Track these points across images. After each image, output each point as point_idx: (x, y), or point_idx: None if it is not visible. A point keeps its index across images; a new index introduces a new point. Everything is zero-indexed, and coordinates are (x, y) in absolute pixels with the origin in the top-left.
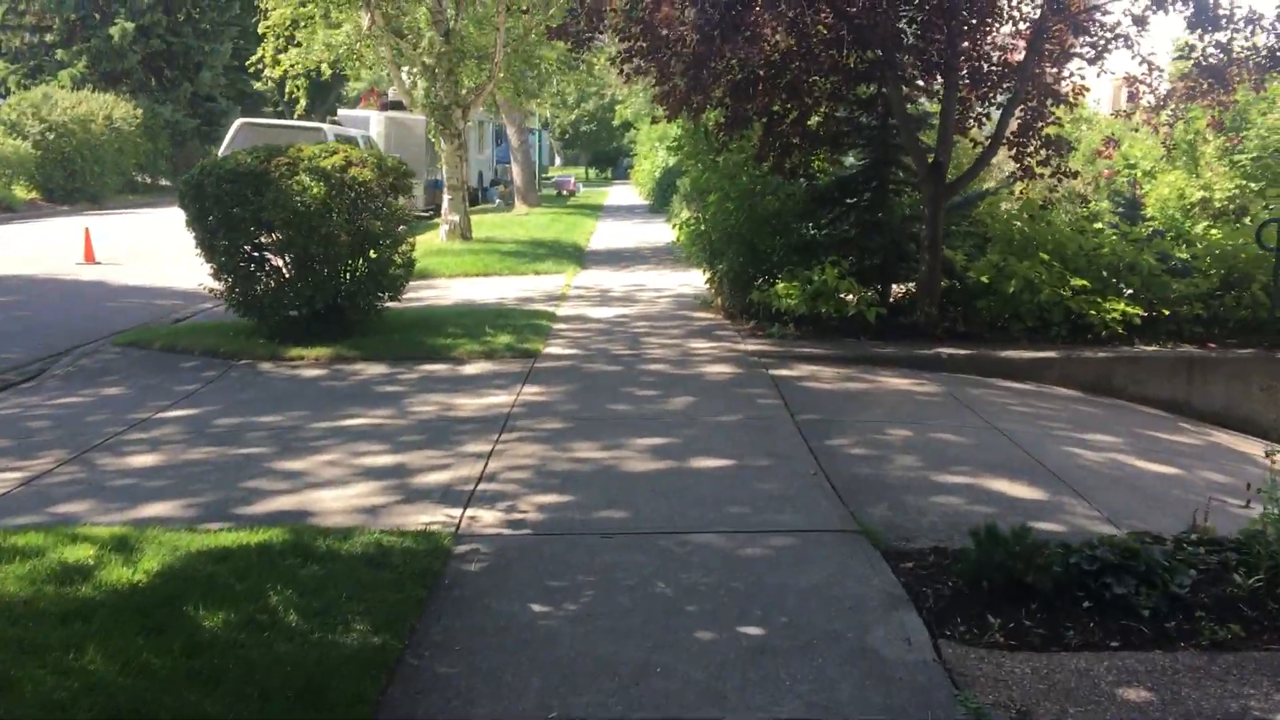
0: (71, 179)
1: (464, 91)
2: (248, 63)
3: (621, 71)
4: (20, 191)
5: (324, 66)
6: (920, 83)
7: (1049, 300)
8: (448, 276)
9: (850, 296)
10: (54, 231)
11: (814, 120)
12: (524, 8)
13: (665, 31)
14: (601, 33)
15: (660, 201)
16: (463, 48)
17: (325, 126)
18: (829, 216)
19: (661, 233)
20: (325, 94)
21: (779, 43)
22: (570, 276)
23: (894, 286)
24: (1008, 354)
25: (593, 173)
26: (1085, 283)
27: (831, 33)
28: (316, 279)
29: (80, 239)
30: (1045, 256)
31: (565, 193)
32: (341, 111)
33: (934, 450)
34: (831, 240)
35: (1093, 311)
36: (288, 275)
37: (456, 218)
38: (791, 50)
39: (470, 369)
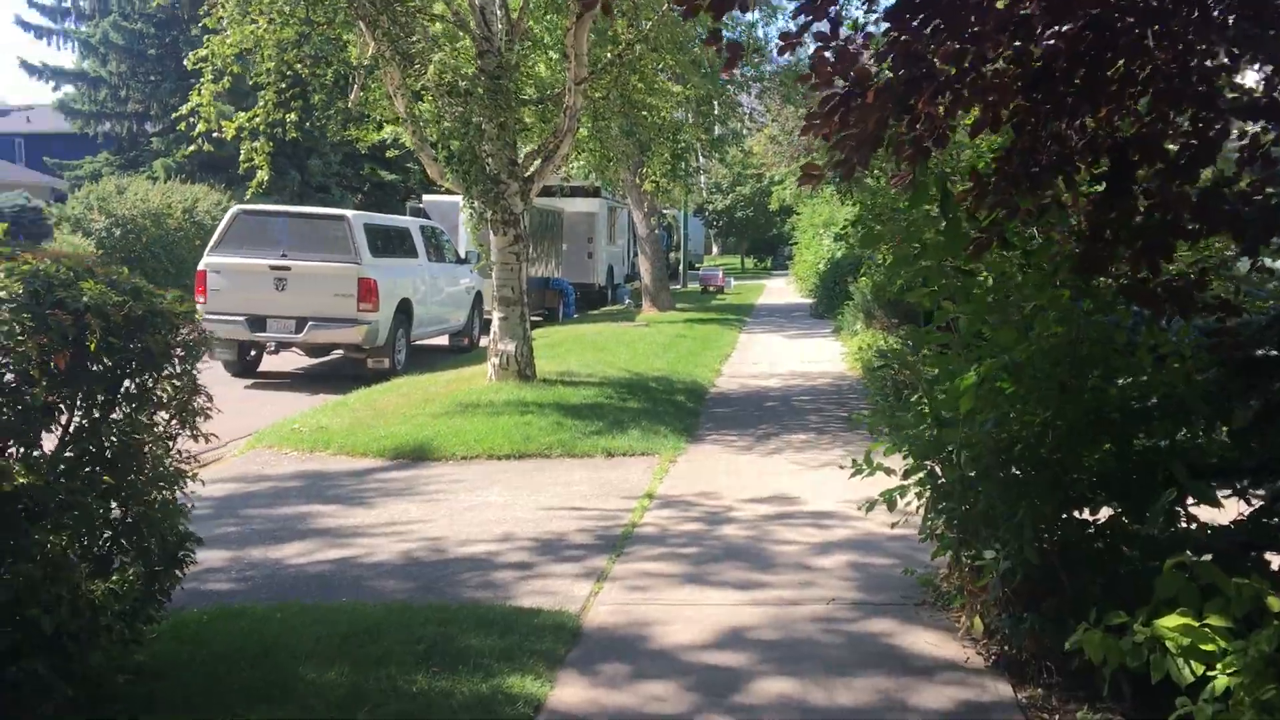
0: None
1: (523, 155)
2: (174, 115)
3: (717, 46)
4: None
5: (288, 121)
6: None
7: None
8: (457, 459)
9: None
10: None
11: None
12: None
13: None
14: None
15: (826, 304)
16: (522, 88)
17: (351, 214)
18: (1259, 404)
19: (826, 353)
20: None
21: None
22: (662, 467)
23: None
24: None
25: (750, 262)
26: None
27: None
28: None
29: None
30: None
31: (712, 289)
32: (427, 198)
33: None
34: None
35: None
36: None
37: (511, 347)
38: None
39: None
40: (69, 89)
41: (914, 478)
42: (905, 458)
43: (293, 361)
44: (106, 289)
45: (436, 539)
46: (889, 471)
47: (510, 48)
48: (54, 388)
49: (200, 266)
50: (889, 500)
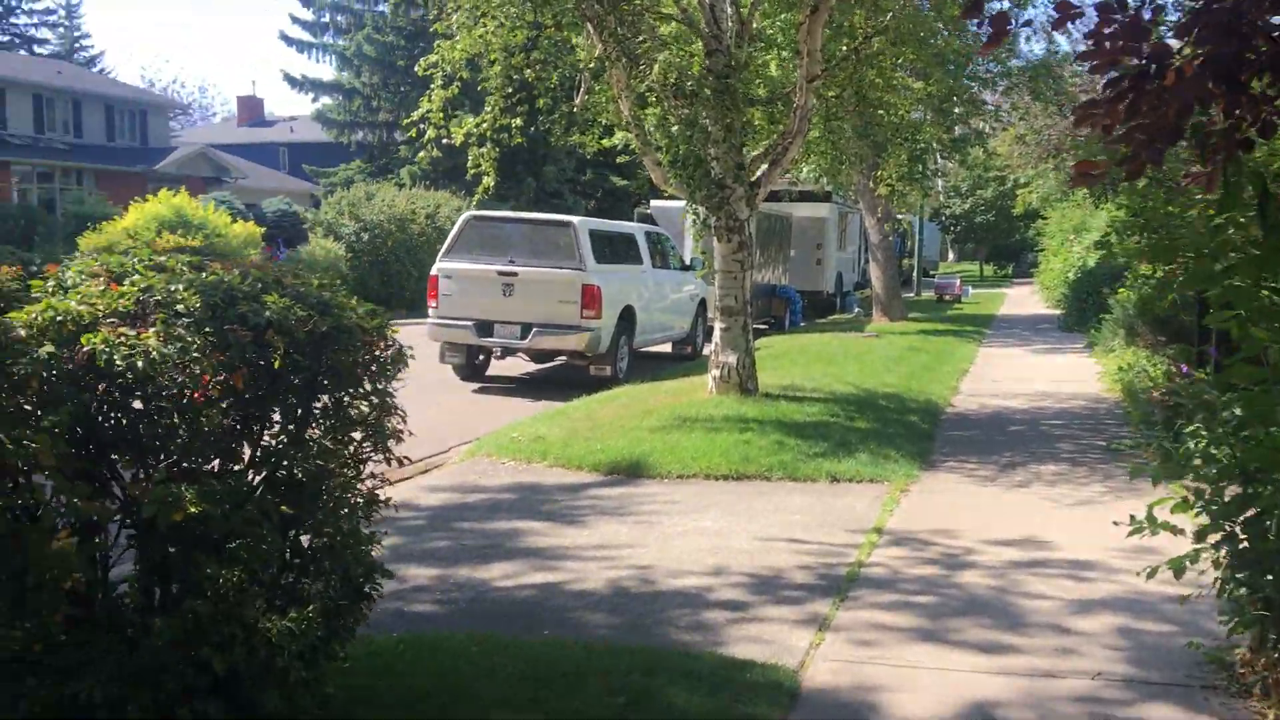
0: (387, 283)
1: (750, 159)
2: (404, 122)
3: (979, 19)
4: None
5: (514, 126)
6: None
7: None
8: (672, 477)
9: None
10: None
11: None
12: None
13: None
14: None
15: (1076, 317)
16: (751, 88)
17: (577, 221)
18: None
19: (1078, 372)
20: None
21: None
22: (892, 497)
23: None
24: None
25: (989, 269)
26: None
27: None
28: None
29: None
30: None
31: (948, 298)
32: (655, 203)
33: None
34: None
35: None
36: None
37: (733, 359)
38: None
39: None
40: (326, 100)
41: (1210, 538)
42: (1197, 515)
43: (519, 367)
44: (291, 303)
45: (646, 568)
46: (1176, 531)
47: (740, 46)
48: (234, 409)
49: (432, 272)
50: (1177, 569)
